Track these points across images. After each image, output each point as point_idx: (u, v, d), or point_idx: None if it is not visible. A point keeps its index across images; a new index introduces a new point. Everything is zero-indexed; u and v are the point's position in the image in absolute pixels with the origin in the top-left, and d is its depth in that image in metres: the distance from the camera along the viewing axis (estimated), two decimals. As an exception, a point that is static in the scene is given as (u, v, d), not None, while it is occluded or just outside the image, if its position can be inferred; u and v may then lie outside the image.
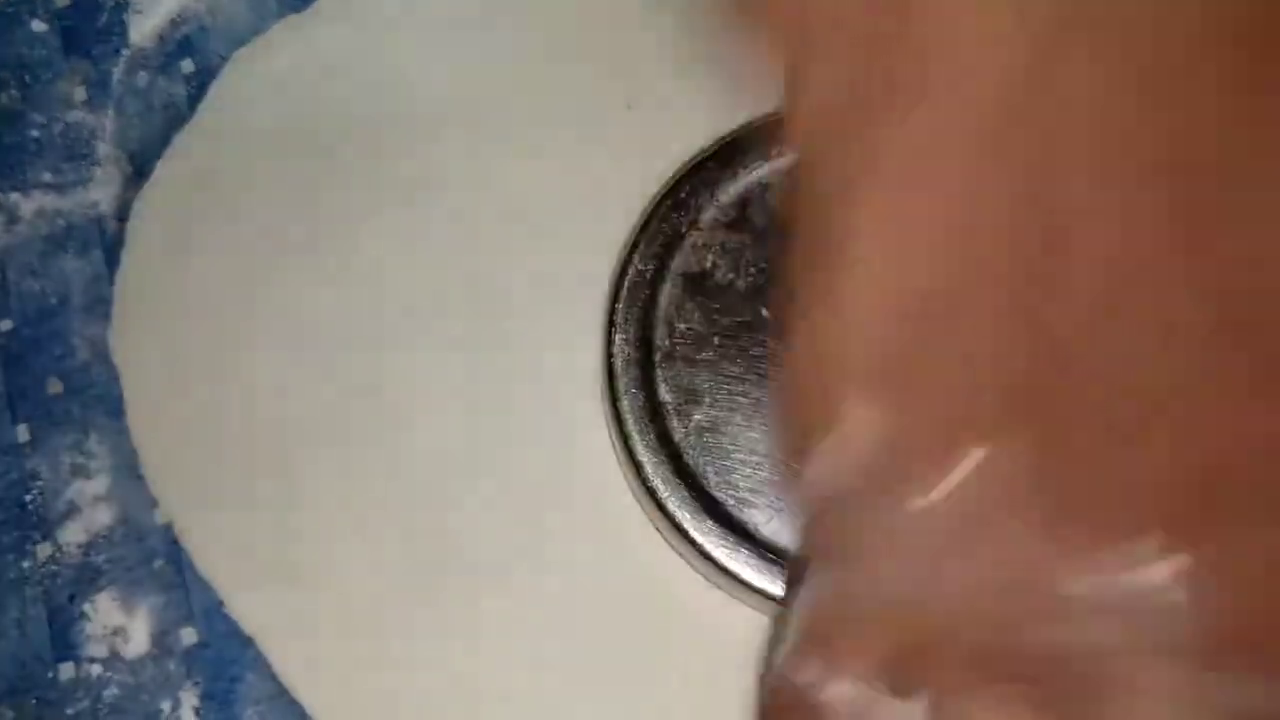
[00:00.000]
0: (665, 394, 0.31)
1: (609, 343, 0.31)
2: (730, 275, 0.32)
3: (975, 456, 0.17)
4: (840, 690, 0.18)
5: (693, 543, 0.30)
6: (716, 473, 0.30)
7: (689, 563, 0.31)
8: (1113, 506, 0.17)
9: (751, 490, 0.30)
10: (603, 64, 0.35)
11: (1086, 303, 0.17)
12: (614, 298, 0.32)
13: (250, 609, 0.32)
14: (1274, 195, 0.17)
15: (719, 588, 0.30)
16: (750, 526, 0.30)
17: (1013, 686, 0.18)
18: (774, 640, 0.20)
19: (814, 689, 0.18)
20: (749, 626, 0.30)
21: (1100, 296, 0.17)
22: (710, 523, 0.30)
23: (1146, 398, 0.17)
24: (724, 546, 0.30)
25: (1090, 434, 0.17)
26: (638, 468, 0.30)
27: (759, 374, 0.31)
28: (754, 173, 0.33)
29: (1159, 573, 0.17)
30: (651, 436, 0.31)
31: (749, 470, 0.30)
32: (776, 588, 0.29)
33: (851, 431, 0.18)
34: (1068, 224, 0.17)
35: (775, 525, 0.30)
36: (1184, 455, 0.17)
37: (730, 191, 0.33)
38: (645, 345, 0.31)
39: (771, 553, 0.30)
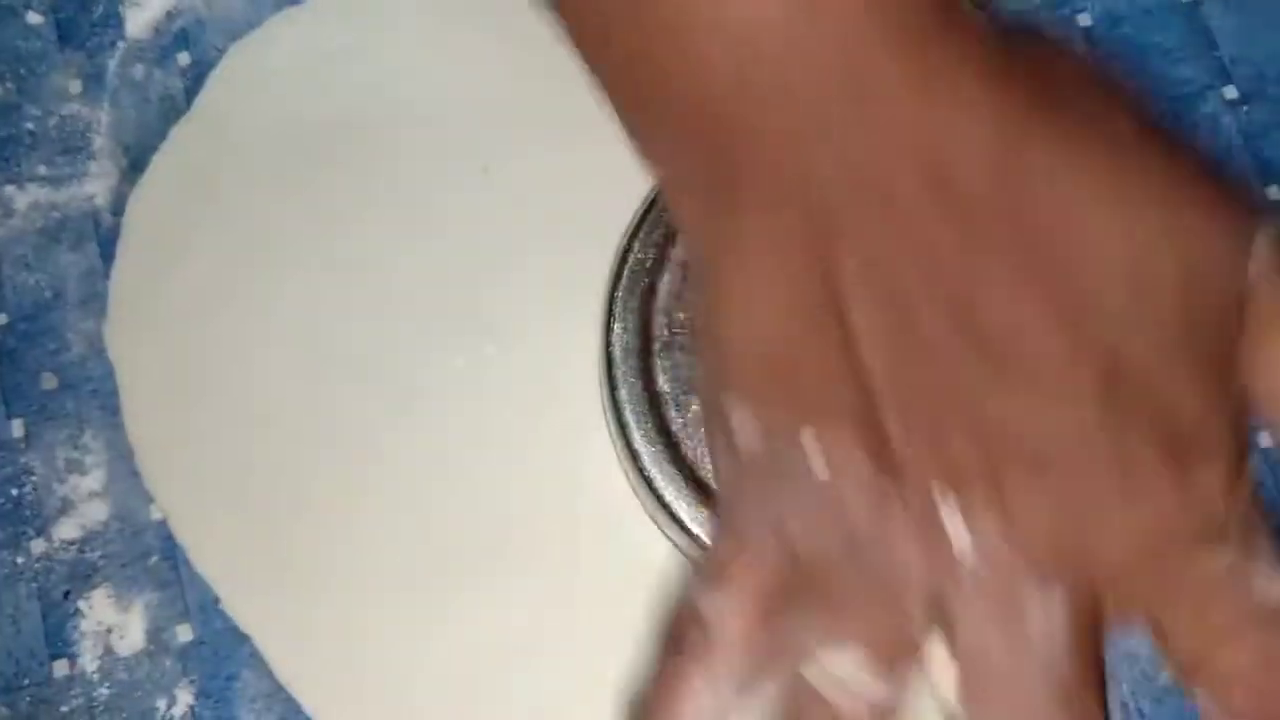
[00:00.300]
0: (664, 383, 0.31)
1: (608, 332, 0.31)
2: None
3: (833, 436, 0.22)
4: (721, 604, 0.23)
5: (689, 533, 0.30)
6: None
7: (685, 553, 0.30)
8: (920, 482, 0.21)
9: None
10: (602, 56, 0.35)
11: (885, 344, 0.22)
12: (613, 287, 0.31)
13: (246, 605, 0.32)
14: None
15: None
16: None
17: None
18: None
19: (704, 604, 0.23)
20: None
21: (890, 336, 0.22)
22: (708, 512, 0.29)
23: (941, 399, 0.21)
24: None
25: (904, 425, 0.22)
26: (635, 457, 0.30)
27: None
28: None
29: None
30: (650, 426, 0.30)
31: None
32: None
33: (735, 426, 0.23)
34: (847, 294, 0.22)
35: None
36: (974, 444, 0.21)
37: None
38: (644, 335, 0.31)
39: None
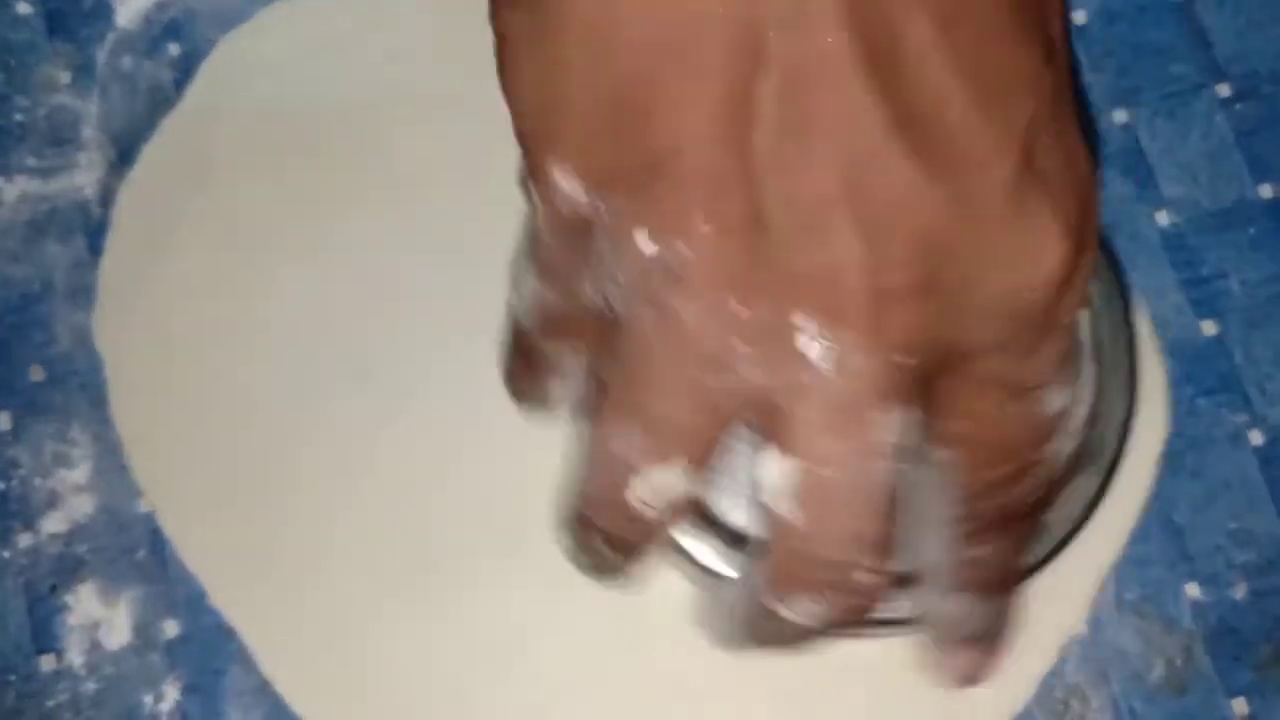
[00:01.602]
0: None
1: None
2: None
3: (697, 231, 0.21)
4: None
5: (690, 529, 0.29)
6: None
7: (683, 547, 0.30)
8: (790, 287, 0.21)
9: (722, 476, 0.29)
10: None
11: (772, 121, 0.21)
12: None
13: (234, 600, 0.32)
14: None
15: (691, 580, 0.30)
16: (716, 512, 0.29)
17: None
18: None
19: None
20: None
21: (790, 116, 0.21)
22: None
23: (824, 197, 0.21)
24: (690, 536, 0.29)
25: (780, 224, 0.21)
26: None
27: None
28: None
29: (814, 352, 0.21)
30: None
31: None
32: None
33: (549, 194, 0.22)
34: (764, 41, 0.20)
35: (740, 512, 0.29)
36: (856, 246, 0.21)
37: None
38: None
39: (737, 539, 0.29)
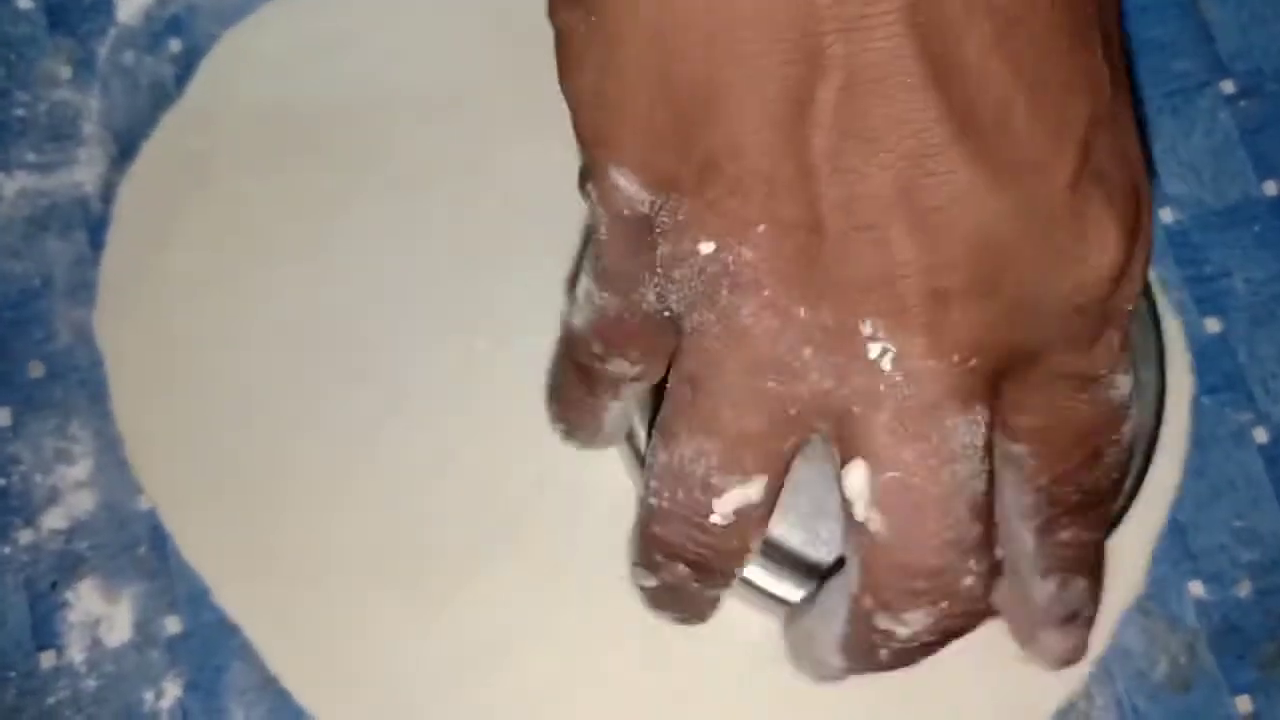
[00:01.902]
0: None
1: None
2: None
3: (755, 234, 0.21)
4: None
5: None
6: None
7: (767, 611, 0.30)
8: (852, 292, 0.21)
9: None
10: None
11: (832, 124, 0.20)
12: None
13: (236, 596, 0.31)
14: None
15: (760, 609, 0.30)
16: (774, 536, 0.29)
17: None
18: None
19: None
20: (747, 619, 0.30)
21: (849, 119, 0.20)
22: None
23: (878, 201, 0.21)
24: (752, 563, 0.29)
25: (839, 227, 0.21)
26: (636, 452, 0.30)
27: None
28: None
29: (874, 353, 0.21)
30: (648, 415, 0.30)
31: None
32: (778, 588, 0.29)
33: (609, 196, 0.22)
34: (825, 43, 0.20)
35: (798, 533, 0.29)
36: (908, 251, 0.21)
37: None
38: None
39: (775, 549, 0.29)
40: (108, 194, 0.34)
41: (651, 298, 0.23)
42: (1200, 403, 0.33)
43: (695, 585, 0.25)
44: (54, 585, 0.32)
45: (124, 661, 0.31)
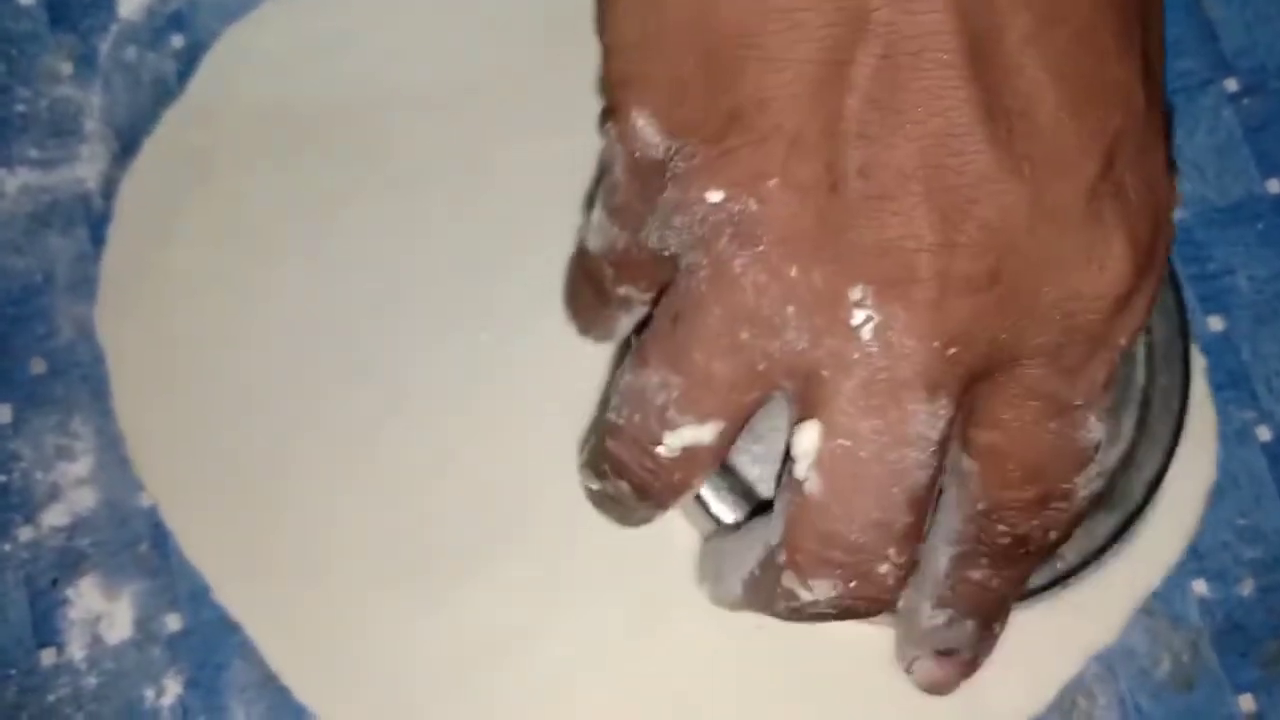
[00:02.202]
0: None
1: None
2: None
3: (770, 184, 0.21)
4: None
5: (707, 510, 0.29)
6: None
7: (696, 523, 0.30)
8: (855, 255, 0.21)
9: (757, 443, 0.29)
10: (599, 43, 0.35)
11: (866, 90, 0.21)
12: None
13: (237, 594, 0.31)
14: None
15: (700, 529, 0.30)
16: (746, 477, 0.29)
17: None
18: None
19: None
20: (747, 617, 0.30)
21: (882, 86, 0.21)
22: (730, 496, 0.29)
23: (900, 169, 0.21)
24: (711, 489, 0.29)
25: (855, 192, 0.21)
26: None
27: None
28: None
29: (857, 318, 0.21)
30: None
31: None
32: (717, 507, 0.29)
33: (628, 137, 0.23)
34: (871, 9, 0.20)
35: (768, 484, 0.29)
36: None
37: None
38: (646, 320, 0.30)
39: (728, 472, 0.29)
40: (109, 190, 0.34)
41: (655, 239, 0.23)
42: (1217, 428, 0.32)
43: (635, 503, 0.25)
44: (54, 582, 0.32)
45: (124, 659, 0.31)
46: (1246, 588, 0.31)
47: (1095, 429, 0.24)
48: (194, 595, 0.32)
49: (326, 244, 0.33)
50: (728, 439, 0.23)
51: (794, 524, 0.23)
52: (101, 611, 0.32)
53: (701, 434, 0.23)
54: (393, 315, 0.33)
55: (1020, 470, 0.24)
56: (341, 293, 0.33)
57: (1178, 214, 0.34)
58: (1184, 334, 0.30)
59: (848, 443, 0.22)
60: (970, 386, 0.22)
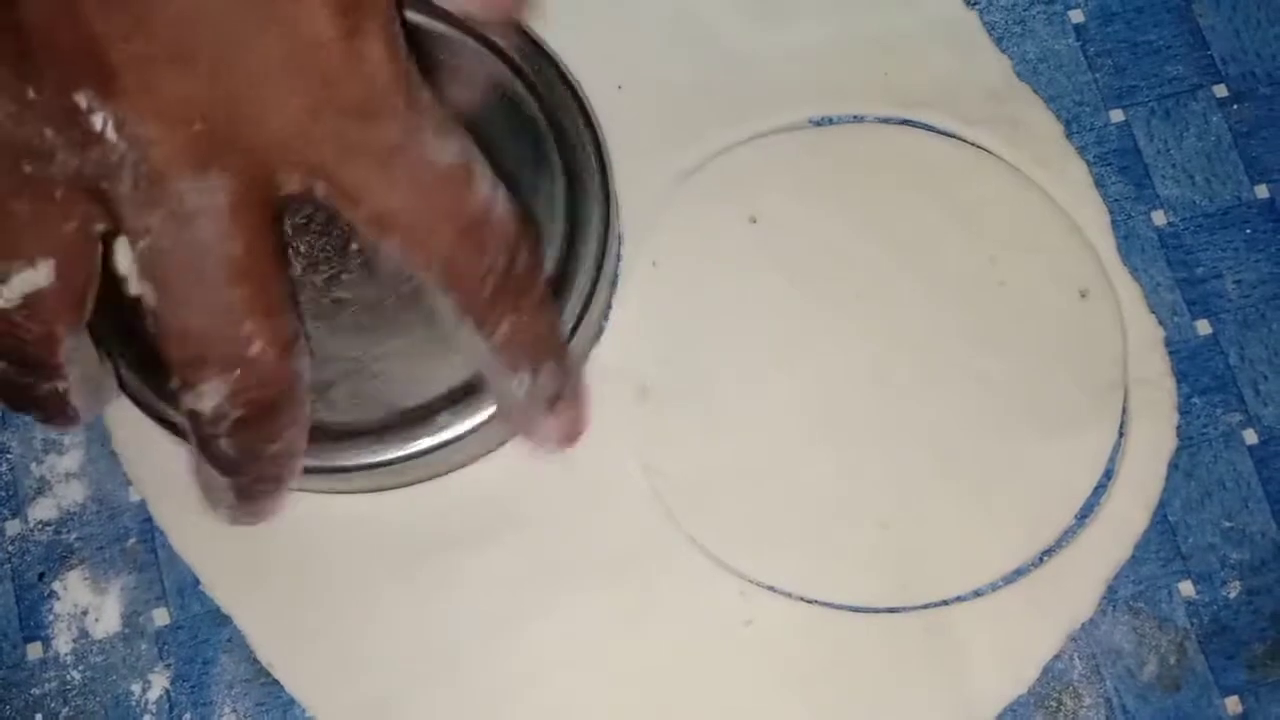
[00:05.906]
0: None
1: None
2: None
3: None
4: None
5: None
6: None
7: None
8: (62, 66, 0.21)
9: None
10: (598, 43, 0.35)
11: None
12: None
13: (227, 587, 0.31)
14: None
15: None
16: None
17: None
18: None
19: None
20: (731, 596, 0.30)
21: None
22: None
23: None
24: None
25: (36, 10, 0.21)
26: None
27: None
28: None
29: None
30: None
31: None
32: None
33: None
34: None
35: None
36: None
37: None
38: None
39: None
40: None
41: None
42: (1191, 403, 0.33)
43: (22, 379, 0.25)
44: (41, 576, 0.32)
45: (111, 653, 0.31)
46: (1233, 590, 0.31)
47: (439, 148, 0.24)
48: (182, 590, 0.31)
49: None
50: (74, 279, 0.23)
51: (160, 343, 0.23)
52: (88, 606, 0.32)
53: (37, 277, 0.23)
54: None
55: (424, 218, 0.24)
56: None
57: (1166, 218, 0.34)
58: (589, 121, 0.31)
59: (148, 241, 0.22)
60: (262, 157, 0.23)
